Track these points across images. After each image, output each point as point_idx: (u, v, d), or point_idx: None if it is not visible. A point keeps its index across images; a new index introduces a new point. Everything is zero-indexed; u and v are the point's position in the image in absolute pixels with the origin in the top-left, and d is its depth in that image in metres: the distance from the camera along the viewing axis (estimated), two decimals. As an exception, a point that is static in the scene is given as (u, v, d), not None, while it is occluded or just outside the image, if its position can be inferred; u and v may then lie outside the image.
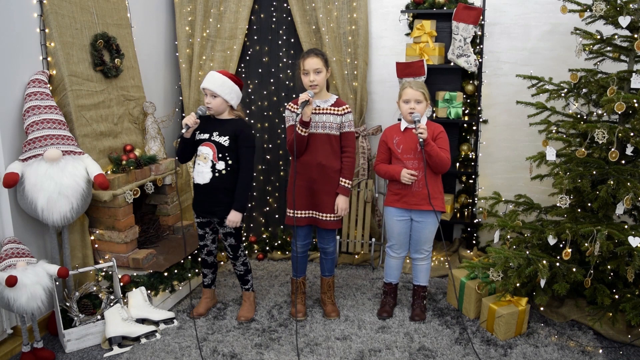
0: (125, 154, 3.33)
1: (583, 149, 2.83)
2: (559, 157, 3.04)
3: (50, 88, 2.92)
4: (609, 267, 2.83)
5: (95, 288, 2.98)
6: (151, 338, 2.89)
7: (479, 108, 3.79)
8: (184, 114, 4.16)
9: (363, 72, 3.94)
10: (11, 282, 2.39)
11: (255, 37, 4.09)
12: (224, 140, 2.82)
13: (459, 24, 3.61)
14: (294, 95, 4.02)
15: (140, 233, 3.50)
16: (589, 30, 3.00)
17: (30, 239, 2.87)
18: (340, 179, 2.91)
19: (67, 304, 2.87)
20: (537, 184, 3.56)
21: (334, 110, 2.88)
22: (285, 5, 3.98)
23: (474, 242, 4.01)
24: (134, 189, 3.21)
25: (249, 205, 4.28)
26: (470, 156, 3.92)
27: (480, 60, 3.69)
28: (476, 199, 3.88)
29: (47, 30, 2.92)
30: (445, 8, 3.71)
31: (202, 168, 2.83)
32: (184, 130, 2.76)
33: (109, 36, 3.32)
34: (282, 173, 4.22)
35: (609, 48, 2.99)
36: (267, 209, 4.28)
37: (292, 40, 4.05)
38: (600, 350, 2.74)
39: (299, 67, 2.87)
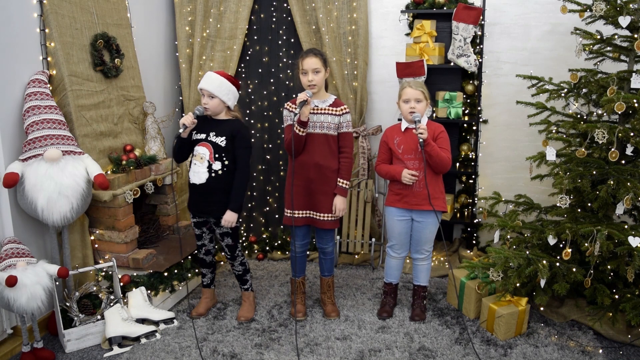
0: (125, 154, 3.33)
1: (583, 149, 2.83)
2: (559, 157, 3.03)
3: (50, 88, 2.92)
4: (609, 267, 2.83)
5: (95, 288, 2.98)
6: (151, 338, 2.89)
7: (479, 108, 3.79)
8: (183, 114, 4.16)
9: (363, 72, 3.94)
10: (11, 282, 2.39)
11: (255, 37, 4.09)
12: (221, 141, 2.82)
13: (459, 24, 3.61)
14: (293, 95, 4.01)
15: (140, 233, 3.50)
16: (589, 30, 3.00)
17: (30, 239, 2.87)
18: (338, 179, 2.91)
19: (67, 304, 2.87)
20: (537, 184, 3.56)
21: (332, 110, 2.88)
22: (285, 5, 3.98)
23: (474, 242, 4.01)
24: (134, 189, 3.21)
25: (249, 205, 4.29)
26: (470, 156, 3.92)
27: (480, 60, 3.69)
28: (476, 199, 3.88)
29: (47, 30, 2.92)
30: (445, 8, 3.71)
31: (199, 168, 2.83)
32: (181, 130, 2.76)
33: (109, 36, 3.32)
34: (282, 173, 4.22)
35: (609, 48, 2.99)
36: (267, 209, 4.28)
37: (292, 40, 4.05)
38: (600, 350, 2.74)
39: (297, 67, 2.87)
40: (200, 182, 2.83)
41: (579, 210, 3.06)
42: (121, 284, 3.06)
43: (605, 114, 2.93)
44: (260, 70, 4.13)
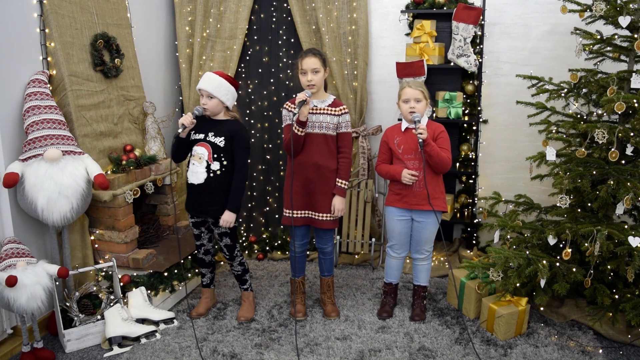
0: (125, 154, 3.33)
1: (583, 149, 2.83)
2: (559, 157, 3.03)
3: (50, 88, 2.92)
4: (609, 267, 2.83)
5: (95, 288, 2.98)
6: (151, 338, 2.89)
7: (479, 108, 3.79)
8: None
9: (363, 72, 3.94)
10: (11, 282, 2.39)
11: (255, 37, 4.09)
12: (220, 141, 2.82)
13: (459, 24, 3.61)
14: (293, 95, 4.00)
15: (140, 233, 3.50)
16: (589, 30, 3.00)
17: (30, 239, 2.87)
18: (337, 179, 2.91)
19: (67, 304, 2.87)
20: (537, 184, 3.56)
21: (331, 110, 2.88)
22: (285, 5, 3.98)
23: (474, 242, 4.01)
24: (134, 189, 3.21)
25: (249, 205, 4.29)
26: (470, 156, 3.92)
27: (480, 60, 3.69)
28: (476, 199, 3.88)
29: (47, 30, 2.92)
30: (445, 8, 3.71)
31: (197, 168, 2.83)
32: (180, 130, 2.76)
33: (109, 36, 3.32)
34: (281, 173, 4.22)
35: (609, 48, 2.99)
36: (267, 209, 4.28)
37: (292, 40, 4.05)
38: (600, 350, 2.74)
39: (297, 67, 2.87)
40: (199, 182, 2.83)
41: (579, 210, 3.06)
42: (121, 284, 3.06)
43: (605, 114, 2.93)
44: (260, 70, 4.13)
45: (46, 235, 2.98)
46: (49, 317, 2.95)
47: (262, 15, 4.05)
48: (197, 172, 2.83)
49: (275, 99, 4.15)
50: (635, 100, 2.68)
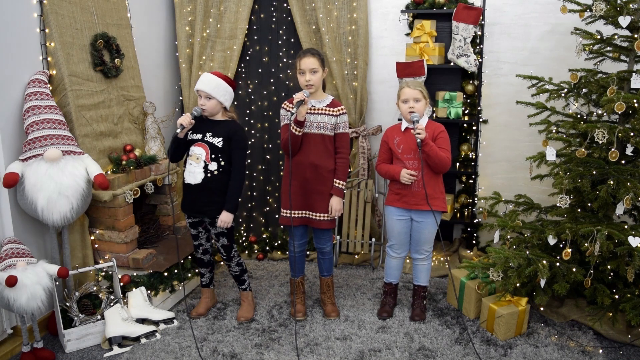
0: (125, 154, 3.33)
1: (583, 149, 2.83)
2: (559, 157, 3.03)
3: (50, 88, 2.92)
4: (609, 267, 2.83)
5: (95, 288, 2.98)
6: (151, 338, 2.89)
7: (479, 108, 3.79)
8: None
9: (363, 72, 3.94)
10: (11, 282, 2.39)
11: (255, 37, 4.09)
12: (218, 142, 2.83)
13: (459, 24, 3.61)
14: (293, 96, 4.02)
15: (140, 233, 3.50)
16: (589, 30, 3.00)
17: (30, 239, 2.87)
18: (334, 180, 2.91)
19: (67, 304, 2.87)
20: (537, 184, 3.56)
21: (329, 110, 2.88)
22: (285, 5, 3.98)
23: (474, 242, 4.01)
24: (134, 189, 3.21)
25: (249, 205, 4.29)
26: (470, 156, 3.92)
27: (480, 60, 3.69)
28: (476, 199, 3.88)
29: (47, 30, 2.92)
30: (445, 8, 3.70)
31: (194, 168, 2.84)
32: (178, 130, 2.77)
33: (109, 36, 3.32)
34: (281, 173, 4.22)
35: (609, 48, 2.99)
36: (267, 209, 4.28)
37: (292, 40, 4.05)
38: (600, 350, 2.74)
39: (295, 67, 2.87)
40: (196, 182, 2.84)
41: (579, 210, 3.06)
42: (121, 284, 3.06)
43: (605, 114, 2.93)
44: (260, 70, 4.13)
45: (46, 235, 2.98)
46: (49, 317, 2.95)
47: (262, 15, 4.05)
48: (194, 172, 2.84)
49: (275, 99, 4.15)
50: (635, 100, 2.68)
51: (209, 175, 2.83)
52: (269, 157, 4.23)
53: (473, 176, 3.90)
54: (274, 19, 4.05)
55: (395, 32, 3.96)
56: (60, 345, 2.84)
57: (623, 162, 2.90)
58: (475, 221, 3.89)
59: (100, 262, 3.16)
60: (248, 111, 4.18)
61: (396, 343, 2.83)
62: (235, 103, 4.14)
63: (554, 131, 3.14)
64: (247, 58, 4.12)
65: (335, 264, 3.88)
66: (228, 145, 2.84)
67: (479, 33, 3.70)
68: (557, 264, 2.84)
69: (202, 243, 3.07)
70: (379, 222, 4.13)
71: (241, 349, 2.78)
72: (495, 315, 2.86)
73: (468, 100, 3.86)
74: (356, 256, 3.98)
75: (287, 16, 4.01)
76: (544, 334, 2.91)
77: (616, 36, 2.91)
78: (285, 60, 4.09)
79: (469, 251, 3.93)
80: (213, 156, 2.82)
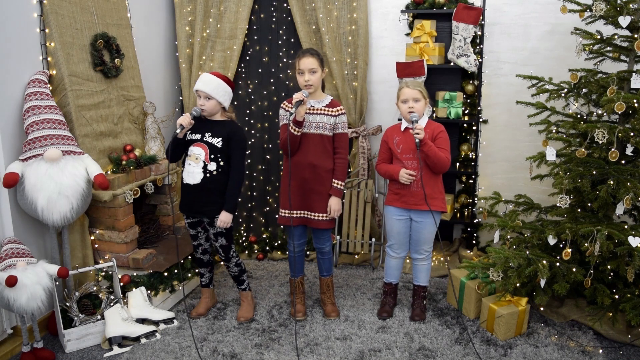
0: (125, 154, 3.33)
1: (583, 149, 2.83)
2: (559, 157, 3.03)
3: (50, 88, 2.92)
4: (609, 267, 2.83)
5: (95, 288, 2.98)
6: (151, 338, 2.89)
7: (479, 108, 3.79)
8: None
9: (363, 72, 3.94)
10: (11, 282, 2.39)
11: (255, 37, 4.09)
12: (217, 142, 2.83)
13: (459, 24, 3.61)
14: (293, 96, 4.02)
15: (140, 233, 3.50)
16: (589, 30, 3.00)
17: (30, 239, 2.87)
18: (333, 180, 2.91)
19: (67, 304, 2.87)
20: (537, 184, 3.56)
21: (328, 111, 2.88)
22: (285, 5, 3.98)
23: (474, 242, 4.01)
24: (134, 189, 3.21)
25: (249, 205, 4.29)
26: (470, 156, 3.92)
27: (480, 60, 3.69)
28: (476, 199, 3.88)
29: (47, 30, 2.92)
30: (445, 8, 3.71)
31: (193, 168, 2.84)
32: (178, 131, 2.77)
33: (109, 36, 3.32)
34: (281, 173, 4.21)
35: (609, 48, 2.99)
36: (267, 209, 4.28)
37: (292, 40, 4.05)
38: (600, 350, 2.74)
39: (294, 67, 2.87)
40: (195, 183, 2.84)
41: (579, 210, 3.06)
42: (121, 284, 3.06)
43: (605, 114, 2.93)
44: (260, 70, 4.13)
45: (46, 235, 2.98)
46: (49, 317, 2.95)
47: (262, 15, 4.05)
48: (193, 172, 2.84)
49: (275, 99, 4.15)
50: (635, 100, 2.68)
51: (208, 175, 2.83)
52: (268, 157, 4.23)
53: (473, 176, 3.90)
54: (274, 19, 4.05)
55: (395, 32, 3.96)
56: (60, 345, 2.84)
57: (623, 162, 2.90)
58: (475, 221, 3.89)
59: (100, 262, 3.16)
60: (248, 111, 4.18)
61: (396, 343, 2.83)
62: (235, 103, 4.14)
63: (554, 131, 3.14)
64: (247, 58, 4.12)
65: (335, 264, 3.88)
66: (227, 145, 2.84)
67: (479, 33, 3.70)
68: (557, 264, 2.84)
69: (201, 243, 3.07)
70: (379, 222, 4.13)
71: (241, 349, 2.78)
72: (495, 315, 2.86)
73: (468, 100, 3.86)
74: (356, 256, 3.98)
75: (287, 16, 4.01)
76: (544, 334, 2.91)
77: (616, 36, 2.91)
78: (285, 60, 4.09)
79: (469, 251, 3.93)
80: (212, 156, 2.82)
